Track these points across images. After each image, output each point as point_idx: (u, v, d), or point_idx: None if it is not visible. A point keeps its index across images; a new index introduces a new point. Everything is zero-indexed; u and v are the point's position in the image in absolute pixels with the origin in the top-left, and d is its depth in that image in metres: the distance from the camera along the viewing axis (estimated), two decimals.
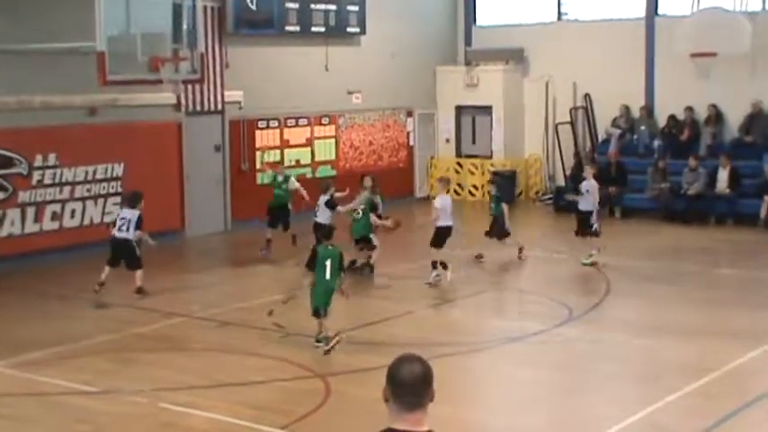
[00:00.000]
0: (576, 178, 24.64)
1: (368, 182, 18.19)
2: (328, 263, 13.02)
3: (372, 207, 17.67)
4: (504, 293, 17.25)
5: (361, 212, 17.36)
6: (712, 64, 22.14)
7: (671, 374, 11.80)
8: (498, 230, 18.80)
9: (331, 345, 12.82)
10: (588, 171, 19.29)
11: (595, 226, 18.29)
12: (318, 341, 12.99)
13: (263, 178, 21.99)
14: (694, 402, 10.97)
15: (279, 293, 15.60)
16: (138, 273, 15.81)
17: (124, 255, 15.81)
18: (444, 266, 16.88)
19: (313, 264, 13.09)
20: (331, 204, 17.49)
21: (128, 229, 15.76)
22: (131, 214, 15.91)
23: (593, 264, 17.89)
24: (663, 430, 10.16)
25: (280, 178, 19.14)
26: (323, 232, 14.07)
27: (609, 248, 19.61)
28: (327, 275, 13.00)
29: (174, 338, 13.94)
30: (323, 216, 17.42)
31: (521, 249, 18.67)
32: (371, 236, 17.45)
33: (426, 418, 4.29)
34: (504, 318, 15.85)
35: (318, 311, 13.01)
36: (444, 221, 17.05)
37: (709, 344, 13.12)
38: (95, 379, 12.01)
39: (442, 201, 17.26)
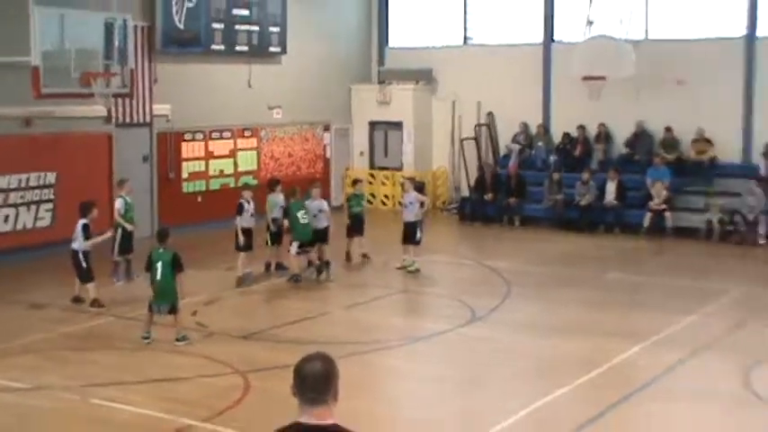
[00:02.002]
0: (479, 189, 25.02)
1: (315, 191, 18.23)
2: (159, 265, 13.18)
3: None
4: (413, 296, 17.22)
5: (305, 217, 17.18)
6: (602, 87, 22.61)
7: (563, 369, 11.98)
8: (361, 228, 19.16)
9: (184, 340, 13.09)
10: (408, 185, 19.09)
11: (419, 236, 18.22)
12: (146, 337, 13.17)
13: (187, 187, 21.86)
14: (583, 394, 11.17)
15: (202, 295, 15.61)
16: (89, 286, 15.28)
17: (74, 266, 15.34)
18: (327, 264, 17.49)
19: (148, 266, 13.39)
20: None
21: (75, 240, 15.34)
22: (78, 225, 15.46)
23: (416, 269, 17.97)
24: (555, 420, 10.30)
25: None
26: (157, 234, 14.06)
27: (509, 255, 19.90)
28: (158, 276, 13.17)
29: (103, 337, 13.79)
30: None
31: (365, 255, 19.09)
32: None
33: (330, 413, 4.27)
34: (412, 318, 15.92)
35: (151, 308, 13.23)
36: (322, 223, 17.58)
37: (597, 341, 13.35)
38: (27, 376, 11.84)
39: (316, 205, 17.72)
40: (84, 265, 15.28)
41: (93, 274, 15.39)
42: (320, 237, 17.53)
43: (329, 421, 4.25)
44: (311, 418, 4.25)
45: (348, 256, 18.96)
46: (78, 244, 15.26)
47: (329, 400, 4.27)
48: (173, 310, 13.25)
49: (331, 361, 4.33)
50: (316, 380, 4.25)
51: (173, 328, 13.26)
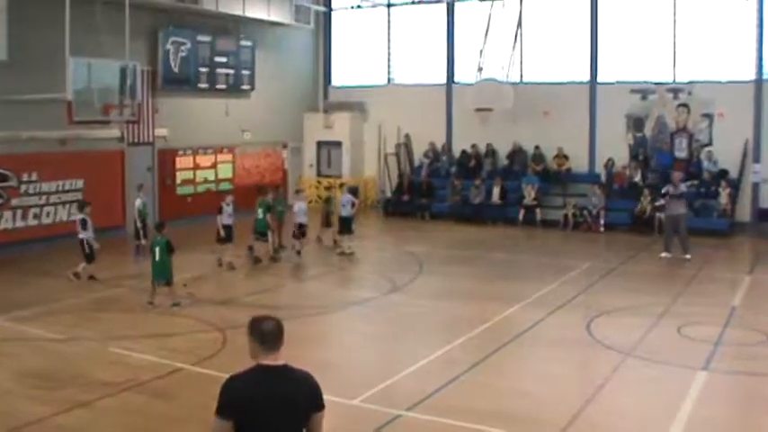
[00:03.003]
0: (399, 191, 25.19)
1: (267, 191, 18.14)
2: (157, 249, 13.20)
3: (268, 209, 17.23)
4: (350, 272, 17.15)
5: (261, 213, 17.02)
6: (489, 116, 22.95)
7: (460, 325, 12.12)
8: (328, 221, 19.15)
9: (178, 305, 13.02)
10: (344, 189, 18.79)
11: (353, 227, 17.95)
12: (150, 302, 13.13)
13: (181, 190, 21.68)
14: (475, 342, 11.31)
15: (191, 272, 15.54)
16: (90, 266, 15.07)
17: (81, 251, 15.13)
18: (298, 252, 17.35)
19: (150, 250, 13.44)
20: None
21: (79, 231, 15.15)
22: (77, 219, 15.33)
23: (351, 253, 17.86)
24: (455, 361, 10.42)
25: None
26: (155, 226, 13.93)
27: (421, 241, 19.98)
28: (157, 257, 13.18)
29: (119, 302, 13.71)
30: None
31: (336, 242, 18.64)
32: (268, 231, 17.16)
33: (281, 356, 4.41)
34: (349, 288, 15.91)
35: (153, 282, 13.23)
36: (300, 219, 17.43)
37: (484, 304, 13.52)
38: (64, 329, 11.83)
39: (299, 206, 17.61)
40: (87, 250, 15.06)
41: (95, 257, 15.16)
42: (302, 230, 17.44)
43: (281, 362, 4.40)
44: (269, 360, 4.37)
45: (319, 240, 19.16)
46: (82, 234, 15.04)
47: (281, 346, 4.42)
48: (168, 283, 13.22)
49: (279, 321, 4.49)
50: (272, 334, 4.40)
51: (169, 297, 13.25)
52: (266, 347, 4.37)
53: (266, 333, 4.38)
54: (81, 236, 15.07)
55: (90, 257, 15.13)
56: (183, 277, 14.33)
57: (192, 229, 19.28)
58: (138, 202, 17.51)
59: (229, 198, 17.14)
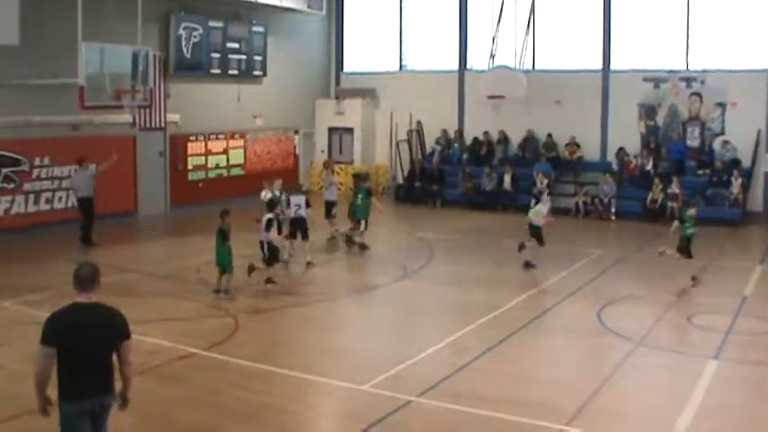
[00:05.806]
0: (410, 178, 25.14)
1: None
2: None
3: (368, 194, 17.04)
4: (362, 258, 16.95)
5: (360, 200, 16.70)
6: (501, 103, 22.77)
7: (471, 312, 12.11)
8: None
9: (218, 289, 12.87)
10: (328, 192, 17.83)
11: (334, 211, 17.16)
12: (219, 291, 12.88)
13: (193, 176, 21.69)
14: (485, 329, 11.30)
15: (205, 257, 15.52)
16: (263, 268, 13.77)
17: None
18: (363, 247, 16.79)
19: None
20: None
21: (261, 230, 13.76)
22: (265, 217, 13.49)
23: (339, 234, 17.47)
24: (465, 348, 10.42)
25: None
26: (220, 214, 13.03)
27: (432, 228, 19.96)
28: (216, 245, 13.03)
29: (130, 287, 13.69)
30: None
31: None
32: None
33: (95, 296, 5.47)
34: (361, 275, 15.86)
35: (220, 271, 12.97)
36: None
37: (495, 291, 13.53)
38: None
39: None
40: (265, 253, 13.43)
41: (277, 259, 13.76)
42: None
43: (93, 300, 5.48)
44: (82, 299, 5.46)
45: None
46: (263, 235, 13.45)
47: (95, 288, 5.50)
48: (224, 270, 12.90)
49: (96, 267, 5.61)
50: (85, 277, 5.50)
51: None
52: (80, 288, 5.45)
53: (80, 276, 5.46)
54: (261, 237, 13.48)
55: (269, 260, 13.48)
56: (197, 261, 14.38)
57: (204, 215, 19.22)
58: (263, 195, 15.32)
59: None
